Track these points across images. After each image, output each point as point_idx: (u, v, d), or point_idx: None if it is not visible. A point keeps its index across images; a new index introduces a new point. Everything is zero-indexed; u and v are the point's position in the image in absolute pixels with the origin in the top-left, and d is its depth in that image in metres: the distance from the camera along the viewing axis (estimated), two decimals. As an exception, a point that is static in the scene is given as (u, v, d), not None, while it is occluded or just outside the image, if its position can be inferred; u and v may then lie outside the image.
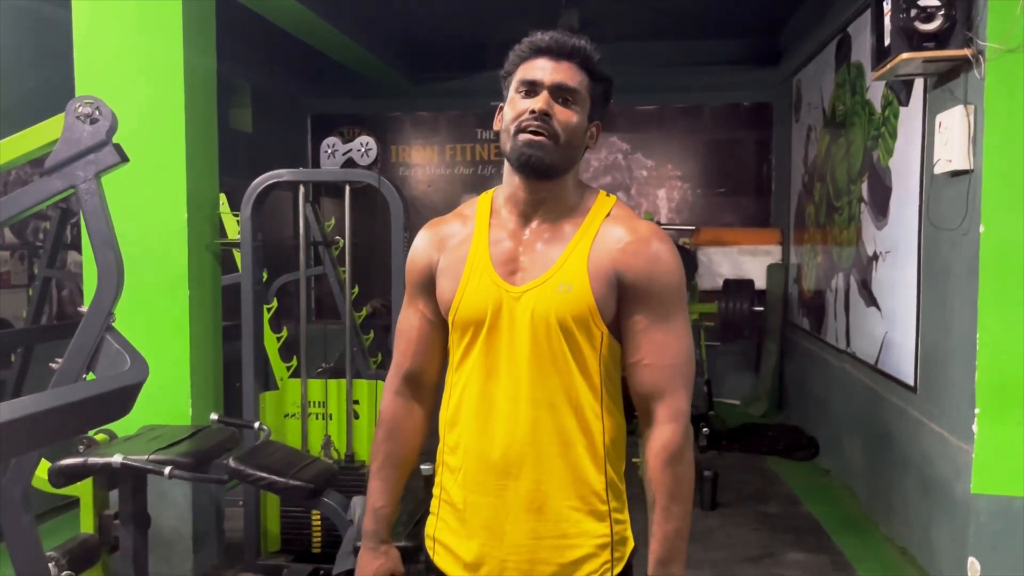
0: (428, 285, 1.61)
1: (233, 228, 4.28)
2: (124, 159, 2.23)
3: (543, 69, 1.49)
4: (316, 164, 8.03)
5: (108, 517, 3.23)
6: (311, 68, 7.10)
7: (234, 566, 3.82)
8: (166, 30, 3.64)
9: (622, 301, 1.49)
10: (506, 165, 1.55)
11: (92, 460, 2.89)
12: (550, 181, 1.52)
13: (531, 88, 1.49)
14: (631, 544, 1.58)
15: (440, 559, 1.60)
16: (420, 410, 1.70)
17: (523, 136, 1.47)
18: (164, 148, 3.61)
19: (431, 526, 1.64)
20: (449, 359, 1.61)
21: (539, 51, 1.51)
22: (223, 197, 4.11)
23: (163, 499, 3.57)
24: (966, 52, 3.28)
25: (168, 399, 3.56)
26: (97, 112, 2.13)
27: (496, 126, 1.56)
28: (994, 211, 3.24)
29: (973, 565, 3.33)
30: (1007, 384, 3.24)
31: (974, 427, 3.28)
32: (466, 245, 1.56)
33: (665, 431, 1.48)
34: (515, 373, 1.49)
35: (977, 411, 3.27)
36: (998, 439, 3.26)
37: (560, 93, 1.49)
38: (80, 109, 2.10)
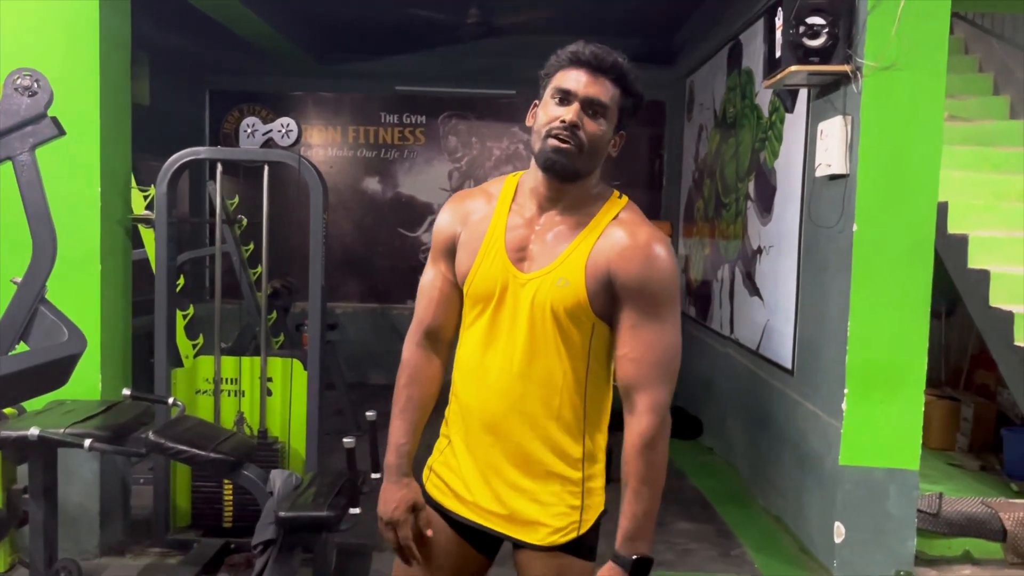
0: (451, 252, 1.78)
1: (139, 203, 4.23)
2: (61, 132, 2.25)
3: (579, 81, 1.61)
4: (214, 141, 7.92)
5: (16, 492, 3.19)
6: (211, 42, 6.95)
7: (141, 542, 3.81)
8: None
9: (615, 299, 1.63)
10: (533, 159, 1.68)
11: (5, 433, 2.86)
12: (570, 183, 1.66)
13: (565, 97, 1.61)
14: (601, 508, 1.76)
15: (431, 485, 1.80)
16: (437, 360, 1.85)
17: (551, 141, 1.61)
18: (78, 117, 3.49)
19: (432, 459, 1.82)
20: (462, 319, 1.78)
21: (578, 62, 1.62)
22: (129, 171, 4.06)
23: (69, 475, 3.53)
24: (846, 68, 3.64)
25: (77, 374, 3.49)
26: (36, 85, 2.14)
27: (529, 122, 1.69)
28: (866, 212, 3.62)
29: (838, 529, 3.71)
30: (872, 367, 3.64)
31: (843, 405, 3.66)
32: (486, 223, 1.72)
33: (642, 420, 1.61)
34: (512, 349, 1.67)
35: (846, 391, 3.65)
36: (863, 416, 3.65)
37: (591, 106, 1.61)
38: (19, 81, 2.11)
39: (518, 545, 1.73)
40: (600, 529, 1.77)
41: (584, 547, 1.73)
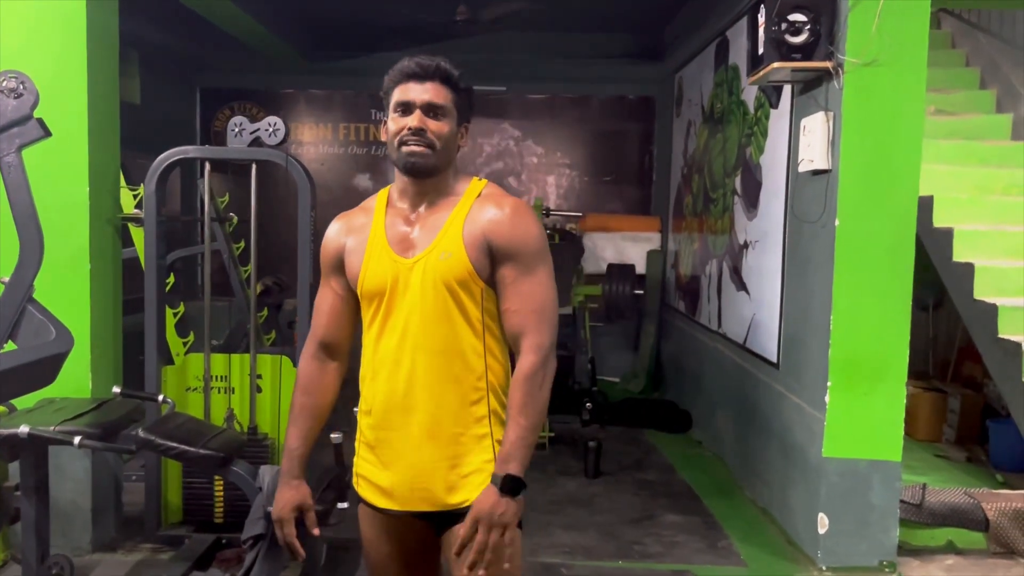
0: (339, 266, 1.94)
1: (128, 202, 4.26)
2: (47, 133, 2.28)
3: (414, 91, 1.82)
4: (205, 138, 7.93)
5: (8, 489, 3.22)
6: (201, 40, 6.96)
7: (133, 538, 3.84)
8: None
9: (494, 262, 1.82)
10: (395, 168, 1.87)
11: (-4, 431, 2.89)
12: (432, 178, 1.86)
13: (406, 108, 1.82)
14: None
15: (363, 490, 1.93)
16: (333, 371, 2.01)
17: (405, 148, 1.81)
18: (66, 117, 3.51)
19: (355, 464, 1.95)
20: (362, 321, 1.92)
21: (408, 76, 1.83)
22: (118, 170, 4.07)
23: (61, 472, 3.55)
24: (827, 64, 3.68)
25: (67, 372, 3.51)
26: (22, 87, 2.16)
27: (383, 138, 1.90)
28: (848, 207, 3.66)
29: (822, 520, 3.76)
30: (855, 360, 3.69)
31: (826, 398, 3.70)
32: (367, 229, 1.89)
33: (525, 359, 1.80)
34: (411, 329, 1.82)
35: (829, 384, 3.70)
36: (846, 408, 3.70)
37: (430, 109, 1.82)
38: (4, 84, 2.13)
39: (444, 520, 1.85)
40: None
41: None
